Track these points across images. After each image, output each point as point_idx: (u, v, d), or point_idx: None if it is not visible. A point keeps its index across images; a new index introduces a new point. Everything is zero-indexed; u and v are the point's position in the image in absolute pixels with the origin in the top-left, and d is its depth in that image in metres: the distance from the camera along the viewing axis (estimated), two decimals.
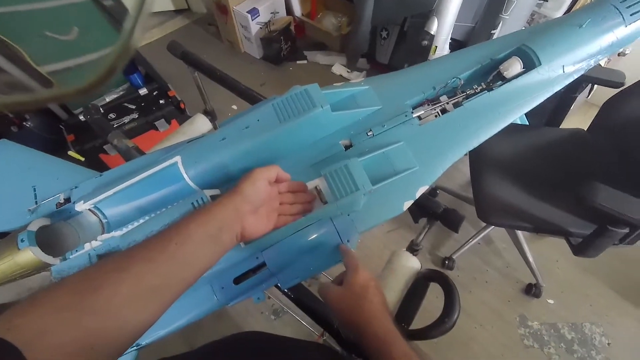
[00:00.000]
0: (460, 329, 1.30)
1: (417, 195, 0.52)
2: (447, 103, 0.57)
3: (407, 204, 0.52)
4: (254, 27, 2.13)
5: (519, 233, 1.35)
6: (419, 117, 0.56)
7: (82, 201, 0.55)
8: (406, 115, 0.55)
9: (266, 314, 1.35)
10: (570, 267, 1.41)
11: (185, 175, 0.52)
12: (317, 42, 2.33)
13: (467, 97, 0.56)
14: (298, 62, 2.27)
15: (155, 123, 1.66)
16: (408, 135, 0.54)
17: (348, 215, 0.50)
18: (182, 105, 1.71)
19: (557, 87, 0.54)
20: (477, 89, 0.56)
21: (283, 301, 1.31)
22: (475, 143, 0.53)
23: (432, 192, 1.59)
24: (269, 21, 2.17)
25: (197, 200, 0.48)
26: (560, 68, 0.54)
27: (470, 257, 1.44)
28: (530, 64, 0.54)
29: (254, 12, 2.08)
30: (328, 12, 2.33)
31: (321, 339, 1.19)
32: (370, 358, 0.41)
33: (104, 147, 1.58)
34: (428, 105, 0.57)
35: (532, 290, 1.34)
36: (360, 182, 0.46)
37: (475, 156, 1.19)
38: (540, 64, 0.53)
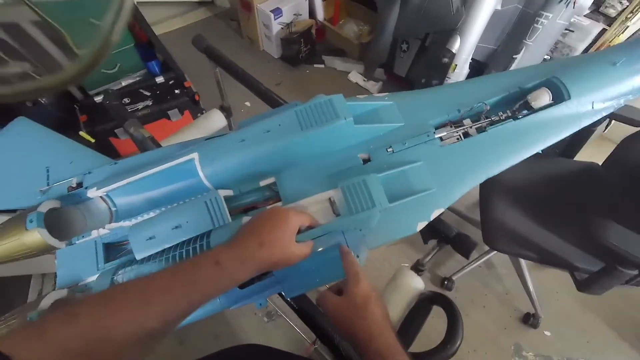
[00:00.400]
0: None
1: (432, 217, 0.51)
2: (471, 127, 0.56)
3: (421, 225, 0.51)
4: (276, 26, 2.14)
5: (522, 261, 1.34)
6: (441, 138, 0.56)
7: (95, 188, 0.55)
8: (428, 135, 0.54)
9: (259, 316, 1.34)
10: (570, 301, 1.39)
11: (200, 173, 0.52)
12: (336, 47, 2.34)
13: (492, 123, 0.55)
14: (315, 65, 2.27)
15: (169, 112, 1.66)
16: (428, 156, 0.53)
17: (360, 230, 0.50)
18: (196, 97, 1.71)
19: (585, 123, 0.53)
20: (502, 116, 0.56)
21: (278, 305, 1.30)
22: (495, 170, 0.52)
23: None
24: (291, 22, 2.17)
25: (210, 200, 0.48)
26: (589, 104, 0.53)
27: (470, 279, 1.42)
28: (559, 97, 0.53)
29: (277, 11, 2.09)
30: (350, 19, 2.34)
31: (312, 347, 1.18)
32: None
33: (115, 130, 1.59)
34: (451, 127, 0.57)
35: (529, 319, 1.32)
36: (377, 198, 0.45)
37: (487, 180, 1.18)
38: (570, 98, 0.52)
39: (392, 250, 1.49)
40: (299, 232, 0.46)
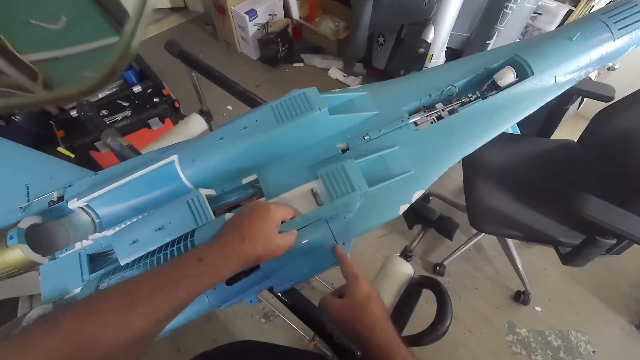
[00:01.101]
0: (449, 334, 1.28)
1: (413, 199, 0.53)
2: (443, 110, 0.57)
3: (403, 207, 0.53)
4: (252, 28, 2.13)
5: (509, 241, 1.37)
6: (415, 123, 0.57)
7: (76, 199, 0.54)
8: (402, 121, 0.55)
9: (256, 317, 1.34)
10: (558, 276, 1.43)
11: (181, 174, 0.52)
12: (314, 45, 2.34)
13: (462, 104, 0.57)
14: (294, 64, 2.27)
15: (149, 121, 1.64)
16: (404, 140, 0.54)
17: (344, 217, 0.51)
18: (176, 104, 1.69)
19: (549, 97, 0.55)
20: (472, 97, 0.57)
21: (274, 304, 1.30)
22: (470, 149, 0.54)
23: (425, 198, 1.60)
24: (267, 23, 2.17)
25: (192, 199, 0.48)
26: (552, 78, 0.55)
27: (460, 263, 1.45)
28: (523, 74, 0.55)
29: (251, 13, 2.08)
30: (326, 16, 2.35)
31: (312, 344, 1.18)
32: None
33: (95, 144, 1.56)
34: (424, 111, 0.58)
35: (520, 297, 1.36)
36: (357, 183, 0.46)
37: (469, 164, 1.21)
38: (533, 74, 0.54)
39: (383, 242, 1.51)
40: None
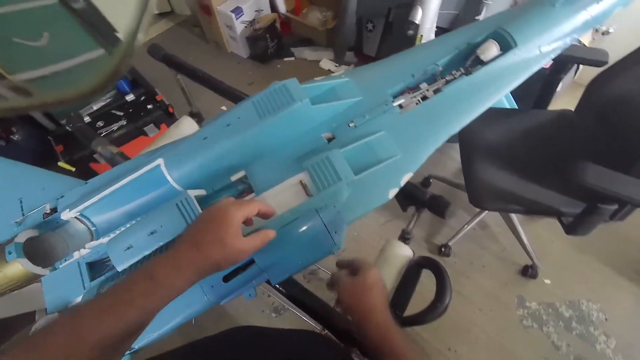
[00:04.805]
0: (459, 314, 1.32)
1: (402, 183, 0.52)
2: (428, 90, 0.57)
3: (393, 192, 0.52)
4: (239, 26, 2.12)
5: (513, 216, 1.36)
6: (400, 106, 0.56)
7: (68, 209, 0.55)
8: (386, 105, 0.55)
9: (267, 312, 1.35)
10: (565, 247, 1.42)
11: (168, 177, 0.52)
12: (304, 38, 2.32)
13: (447, 82, 0.56)
14: (285, 59, 2.26)
15: (145, 128, 1.65)
16: (390, 124, 0.54)
17: (334, 206, 0.51)
18: (170, 110, 1.70)
19: (536, 67, 0.54)
20: (456, 74, 0.57)
21: (283, 299, 1.32)
22: (457, 127, 0.53)
23: (425, 181, 1.60)
24: (254, 19, 2.15)
25: (181, 202, 0.48)
26: (536, 48, 0.54)
27: (466, 243, 1.45)
28: (506, 46, 0.54)
29: (237, 11, 2.07)
30: (313, 7, 2.31)
31: (323, 334, 1.20)
32: (366, 342, 0.43)
33: (95, 155, 1.57)
34: (409, 93, 0.58)
35: (528, 271, 1.36)
36: (342, 172, 0.46)
37: (466, 143, 1.20)
38: (517, 45, 0.53)
39: (387, 228, 1.51)
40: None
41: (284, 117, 0.50)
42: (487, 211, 1.41)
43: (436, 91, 0.56)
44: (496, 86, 0.54)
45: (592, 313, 1.28)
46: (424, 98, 0.57)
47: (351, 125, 0.55)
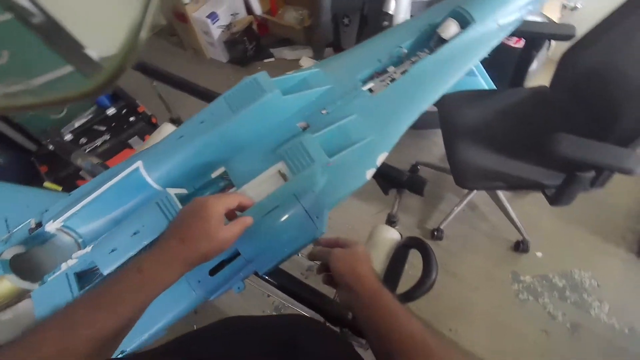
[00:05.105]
0: (457, 295, 1.34)
1: (378, 163, 0.54)
2: (395, 72, 0.58)
3: (370, 172, 0.54)
4: (216, 31, 2.12)
5: (500, 194, 1.39)
6: (370, 90, 0.58)
7: (52, 220, 0.55)
8: (356, 89, 0.56)
9: (268, 312, 1.36)
10: (553, 220, 1.45)
11: (148, 179, 0.53)
12: (282, 38, 2.33)
13: (413, 63, 0.58)
14: (265, 60, 2.26)
15: (129, 141, 1.64)
16: (361, 108, 0.55)
17: (313, 191, 0.52)
18: (153, 120, 1.69)
19: (496, 41, 0.56)
20: (421, 55, 0.58)
21: (282, 297, 1.33)
22: (425, 105, 0.55)
23: (412, 168, 1.62)
24: (230, 23, 2.15)
25: (161, 200, 0.49)
26: (494, 22, 0.56)
27: (457, 225, 1.47)
28: (465, 23, 0.56)
29: (213, 16, 2.07)
30: (288, 7, 2.32)
31: None
32: (357, 304, 0.43)
33: (80, 173, 1.56)
34: (377, 77, 0.59)
35: (520, 246, 1.38)
36: (315, 154, 0.47)
37: (447, 127, 1.22)
38: (475, 21, 0.55)
39: (380, 218, 1.52)
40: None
41: (256, 109, 0.51)
42: (474, 191, 1.44)
43: (403, 72, 0.58)
44: (460, 61, 0.56)
45: (585, 281, 1.32)
46: (393, 80, 0.58)
47: (324, 112, 0.56)
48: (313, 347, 0.38)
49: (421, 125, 1.78)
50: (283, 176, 0.54)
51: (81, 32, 0.31)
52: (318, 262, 0.51)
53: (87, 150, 1.57)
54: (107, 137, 1.63)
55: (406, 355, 0.34)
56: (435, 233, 1.44)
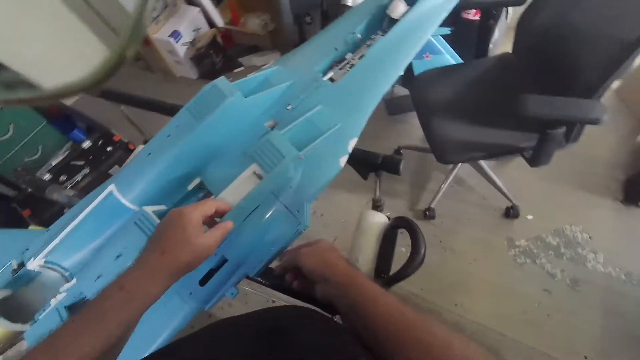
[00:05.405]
0: (457, 270, 1.36)
1: (350, 148, 0.54)
2: (353, 58, 0.59)
3: (343, 159, 0.54)
4: (181, 49, 2.11)
5: (483, 164, 1.41)
6: (331, 79, 0.58)
7: (32, 258, 0.54)
8: (317, 81, 0.57)
9: None
10: (538, 182, 1.48)
11: (123, 200, 0.52)
12: (249, 45, 2.32)
13: (369, 47, 0.59)
14: (235, 70, 2.25)
15: (110, 171, 1.62)
16: (325, 98, 0.56)
17: (290, 187, 0.52)
18: (131, 147, 1.68)
19: (445, 12, 0.57)
20: (375, 37, 0.59)
21: (282, 298, 1.32)
22: (387, 85, 0.56)
23: (396, 152, 1.63)
24: (194, 39, 2.15)
25: (139, 219, 0.49)
26: None
27: (447, 201, 1.49)
28: (413, 0, 0.57)
29: (175, 34, 2.06)
30: (249, 14, 2.32)
31: None
32: (336, 292, 0.43)
33: (65, 210, 1.53)
34: (337, 66, 0.60)
35: (510, 212, 1.41)
36: (284, 150, 0.48)
37: (421, 107, 1.24)
38: None
39: (369, 208, 1.53)
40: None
41: (220, 115, 0.51)
42: (458, 166, 1.46)
43: (361, 57, 0.58)
44: (413, 37, 0.57)
45: (577, 235, 1.35)
46: (352, 67, 0.59)
47: (289, 108, 0.56)
48: (301, 330, 0.38)
49: (397, 110, 1.80)
50: (258, 177, 0.54)
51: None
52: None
53: (68, 187, 1.55)
54: (87, 170, 1.61)
55: (390, 329, 0.35)
56: (427, 213, 1.45)
